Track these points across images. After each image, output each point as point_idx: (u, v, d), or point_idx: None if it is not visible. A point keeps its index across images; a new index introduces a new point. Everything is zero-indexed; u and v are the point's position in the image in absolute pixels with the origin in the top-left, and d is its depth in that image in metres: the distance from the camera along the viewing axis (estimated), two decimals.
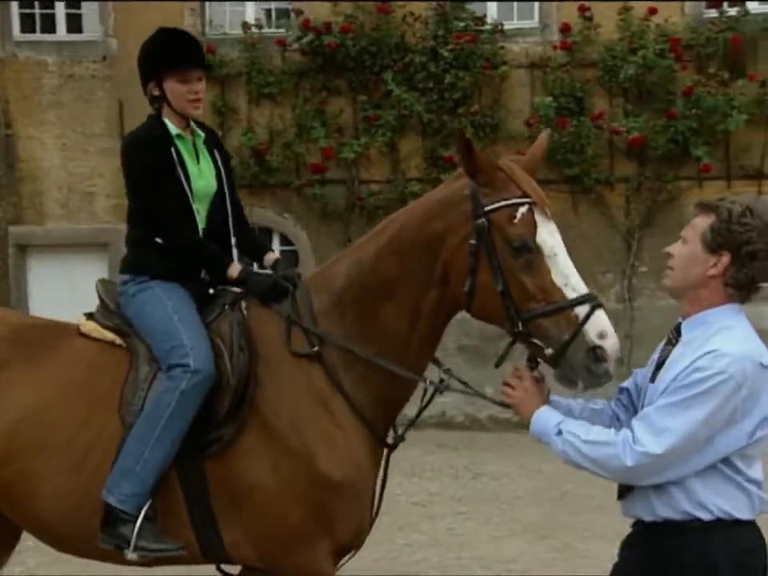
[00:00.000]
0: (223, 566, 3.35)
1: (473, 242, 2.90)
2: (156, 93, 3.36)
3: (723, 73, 9.59)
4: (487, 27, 10.08)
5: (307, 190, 10.21)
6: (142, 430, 3.12)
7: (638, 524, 2.75)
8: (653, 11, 9.70)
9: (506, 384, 2.83)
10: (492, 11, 10.33)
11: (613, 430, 2.64)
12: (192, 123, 3.45)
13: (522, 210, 2.87)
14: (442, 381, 3.11)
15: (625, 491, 2.73)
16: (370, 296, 3.11)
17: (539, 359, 2.85)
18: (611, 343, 2.72)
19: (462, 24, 10.06)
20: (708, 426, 2.51)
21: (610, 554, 5.90)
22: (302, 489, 3.05)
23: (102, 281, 3.53)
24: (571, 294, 2.78)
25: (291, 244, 10.44)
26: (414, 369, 3.12)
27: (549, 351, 2.78)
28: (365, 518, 3.19)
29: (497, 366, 3.02)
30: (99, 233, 10.56)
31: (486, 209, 2.89)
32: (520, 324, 2.82)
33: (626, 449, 2.54)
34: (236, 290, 3.32)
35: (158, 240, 3.32)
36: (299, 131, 10.21)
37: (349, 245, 3.39)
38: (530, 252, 2.84)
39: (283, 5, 10.55)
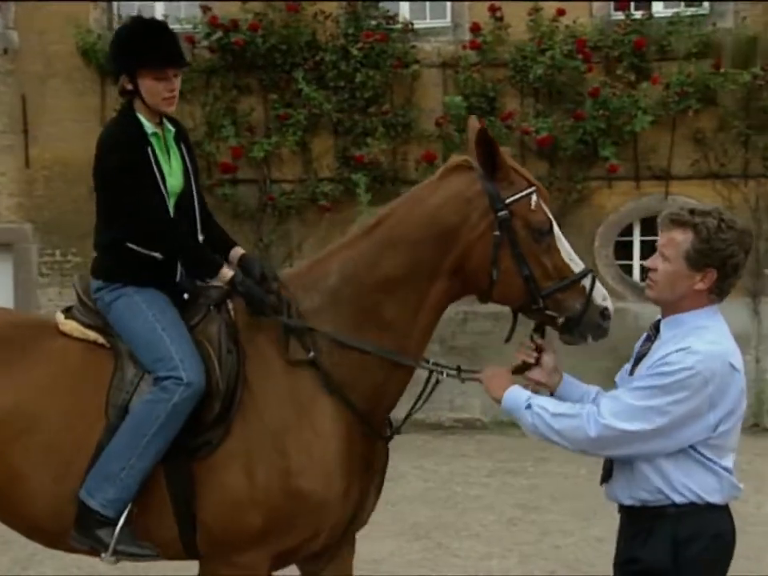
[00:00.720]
0: None
1: (496, 233, 3.05)
2: (129, 87, 3.25)
3: (629, 74, 9.71)
4: (398, 26, 10.06)
5: (218, 189, 10.05)
6: (130, 437, 3.07)
7: (620, 508, 2.89)
8: (561, 12, 9.79)
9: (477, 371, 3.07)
10: (404, 10, 10.32)
11: (579, 404, 2.84)
12: (163, 117, 3.35)
13: (534, 198, 3.11)
14: (431, 371, 3.24)
15: (607, 476, 2.87)
16: (371, 293, 3.13)
17: (546, 327, 3.13)
18: (610, 303, 3.13)
19: (373, 23, 10.02)
20: (672, 414, 2.65)
21: (482, 553, 5.96)
22: (272, 497, 3.04)
23: (80, 277, 3.43)
24: (576, 269, 3.10)
25: None
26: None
27: (561, 320, 3.06)
28: (327, 523, 3.14)
29: (507, 341, 3.20)
30: (2, 233, 10.29)
31: (507, 201, 3.08)
32: (541, 301, 3.06)
33: (590, 420, 2.71)
34: (219, 287, 3.25)
35: (132, 246, 3.21)
36: (209, 130, 10.07)
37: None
38: (549, 235, 3.09)
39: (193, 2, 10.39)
